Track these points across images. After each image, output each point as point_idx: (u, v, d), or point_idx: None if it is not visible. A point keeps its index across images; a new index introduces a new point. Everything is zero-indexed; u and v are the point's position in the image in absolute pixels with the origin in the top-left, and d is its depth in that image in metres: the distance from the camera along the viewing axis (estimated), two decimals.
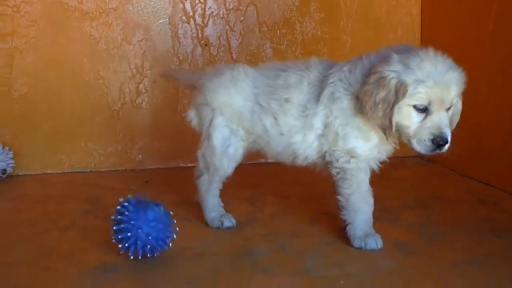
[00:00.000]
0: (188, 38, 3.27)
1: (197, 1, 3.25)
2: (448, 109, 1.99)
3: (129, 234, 1.96)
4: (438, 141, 1.95)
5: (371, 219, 2.14)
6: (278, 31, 3.33)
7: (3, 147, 3.10)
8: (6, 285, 1.91)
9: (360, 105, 2.04)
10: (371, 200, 2.15)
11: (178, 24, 3.25)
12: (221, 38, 3.29)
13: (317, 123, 2.15)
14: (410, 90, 1.92)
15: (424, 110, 1.96)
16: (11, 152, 3.12)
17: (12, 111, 3.18)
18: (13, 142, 3.17)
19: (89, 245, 2.20)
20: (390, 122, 1.96)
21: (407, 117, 1.97)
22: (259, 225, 2.39)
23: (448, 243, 2.15)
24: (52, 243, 2.23)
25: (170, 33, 3.26)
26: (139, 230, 1.96)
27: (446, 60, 1.97)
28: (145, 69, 3.24)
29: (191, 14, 3.26)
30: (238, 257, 2.07)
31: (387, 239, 2.16)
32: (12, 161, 3.12)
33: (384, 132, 2.01)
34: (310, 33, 3.34)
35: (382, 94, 1.95)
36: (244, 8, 3.29)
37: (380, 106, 1.96)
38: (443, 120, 1.96)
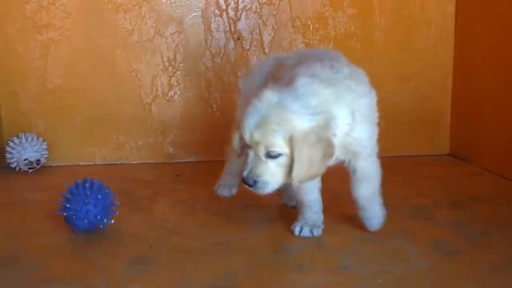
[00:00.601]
0: (221, 32, 3.27)
1: None
2: (275, 157, 1.93)
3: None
4: (244, 179, 1.97)
5: None
6: (310, 26, 3.31)
7: (38, 138, 3.13)
8: (43, 271, 1.93)
9: None
10: None
11: (211, 17, 3.25)
12: (254, 32, 3.28)
13: None
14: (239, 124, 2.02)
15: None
16: (45, 143, 3.15)
17: (47, 102, 3.21)
18: (46, 133, 3.20)
19: (122, 236, 2.22)
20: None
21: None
22: (292, 221, 2.38)
23: (485, 244, 2.12)
24: (86, 234, 2.24)
25: (203, 27, 3.26)
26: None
27: (264, 103, 1.93)
28: (177, 62, 3.24)
29: (224, 7, 3.25)
30: (273, 253, 2.07)
31: (422, 237, 2.15)
32: (46, 152, 3.15)
33: None
34: (343, 29, 3.32)
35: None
36: (277, 2, 3.28)
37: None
38: (253, 162, 1.95)
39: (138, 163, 3.28)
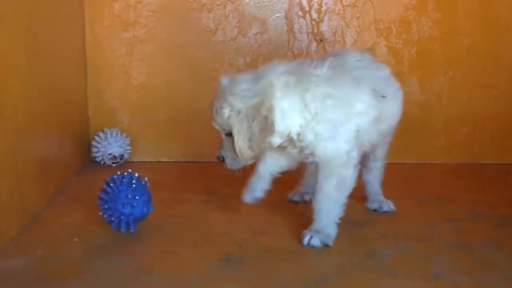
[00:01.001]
0: (303, 33, 3.27)
1: None
2: (229, 135, 2.16)
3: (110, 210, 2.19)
4: (217, 156, 2.24)
5: None
6: (393, 29, 3.28)
7: (121, 134, 3.20)
8: (136, 264, 1.98)
9: None
10: None
11: (294, 18, 3.26)
12: (336, 34, 3.27)
13: None
14: None
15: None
16: (128, 139, 3.21)
17: (131, 99, 3.28)
18: (130, 129, 3.27)
19: (210, 235, 2.25)
20: None
21: None
22: (378, 226, 2.37)
23: None
24: (173, 230, 2.28)
25: (286, 28, 3.26)
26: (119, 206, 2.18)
27: (218, 92, 2.19)
28: (259, 63, 3.25)
29: (307, 9, 3.25)
30: (363, 257, 2.05)
31: None
32: (129, 148, 3.21)
33: None
34: (427, 33, 3.28)
35: None
36: (361, 5, 3.26)
37: None
38: (222, 141, 2.21)
39: None
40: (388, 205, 2.52)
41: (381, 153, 2.51)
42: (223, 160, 2.21)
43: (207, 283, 1.85)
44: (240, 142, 2.11)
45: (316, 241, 2.11)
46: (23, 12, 2.32)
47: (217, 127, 2.19)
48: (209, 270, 1.95)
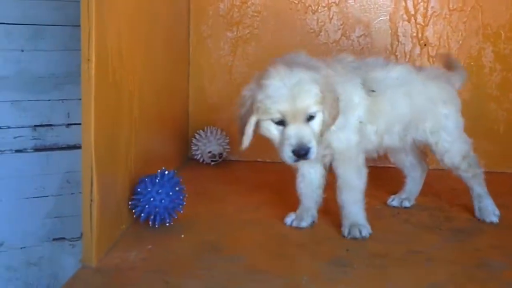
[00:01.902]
0: (408, 37, 3.22)
1: (419, 0, 3.19)
2: (310, 119, 2.03)
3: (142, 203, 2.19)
4: (297, 151, 2.01)
5: None
6: (502, 34, 3.19)
7: (221, 132, 3.24)
8: (247, 263, 1.99)
9: None
10: None
11: (399, 22, 3.22)
12: (441, 39, 3.21)
13: None
14: (261, 106, 2.02)
15: (281, 122, 2.03)
16: (228, 138, 3.25)
17: (232, 98, 3.27)
18: (230, 128, 3.30)
19: (318, 237, 2.24)
20: (242, 135, 2.11)
21: (268, 131, 2.07)
22: (487, 236, 2.30)
23: None
24: (281, 231, 2.28)
25: (390, 31, 3.23)
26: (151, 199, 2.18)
27: (295, 73, 2.02)
28: None
29: (412, 12, 3.21)
30: (475, 268, 1.99)
31: None
32: (228, 147, 3.24)
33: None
34: None
35: (241, 111, 2.11)
36: (468, 9, 3.19)
37: (239, 122, 2.13)
38: (300, 131, 2.01)
39: None
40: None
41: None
42: (307, 152, 2.03)
43: (318, 285, 1.84)
44: (330, 121, 2.08)
45: (356, 232, 2.19)
46: (143, 15, 2.40)
47: (301, 113, 2.02)
48: (320, 273, 1.94)
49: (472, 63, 3.20)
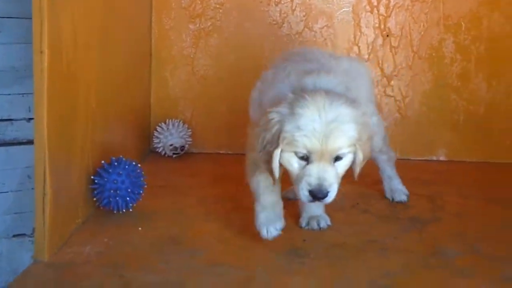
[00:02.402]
0: (370, 28, 3.23)
1: None
2: (337, 159, 1.84)
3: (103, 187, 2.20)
4: (315, 193, 1.82)
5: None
6: (463, 25, 3.21)
7: (183, 125, 3.22)
8: (206, 256, 1.99)
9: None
10: None
11: (362, 13, 3.22)
12: (403, 30, 3.22)
13: None
14: (288, 136, 1.81)
15: (305, 157, 1.83)
16: (190, 130, 3.23)
17: (194, 90, 3.29)
18: (192, 120, 3.29)
19: None
20: (271, 166, 1.86)
21: (288, 163, 1.85)
22: (444, 224, 2.33)
23: None
24: (240, 222, 2.28)
25: (353, 22, 3.23)
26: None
27: (335, 107, 1.81)
28: None
29: (375, 4, 3.21)
30: (430, 256, 2.02)
31: None
32: (190, 139, 3.22)
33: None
34: (497, 29, 3.20)
35: (266, 137, 1.85)
36: (430, 0, 3.20)
37: (262, 149, 1.88)
38: (323, 173, 1.81)
39: None
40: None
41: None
42: (325, 196, 1.84)
43: (275, 276, 1.85)
44: (362, 162, 1.91)
45: (314, 224, 2.20)
46: (100, 6, 2.37)
47: (329, 153, 1.82)
48: (276, 263, 1.95)
49: (433, 54, 3.22)
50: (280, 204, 2.05)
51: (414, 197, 2.62)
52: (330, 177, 1.82)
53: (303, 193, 1.83)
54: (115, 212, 2.24)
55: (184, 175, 2.91)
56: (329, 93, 1.86)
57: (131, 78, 2.93)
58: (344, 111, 1.82)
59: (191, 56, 3.27)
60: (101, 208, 2.25)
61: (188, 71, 3.28)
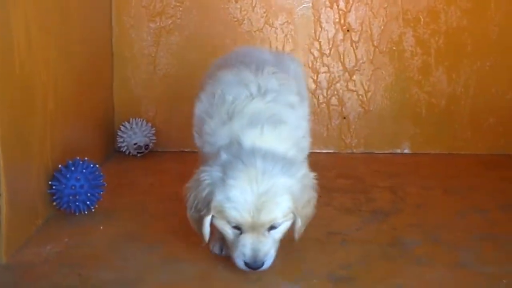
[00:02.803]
0: (330, 23, 3.25)
1: None
2: (272, 228, 1.76)
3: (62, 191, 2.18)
4: (250, 265, 1.75)
5: None
6: (421, 19, 3.25)
7: (147, 123, 3.21)
8: (164, 251, 2.00)
9: None
10: None
11: (322, 8, 3.24)
12: (363, 24, 3.25)
13: None
14: (218, 206, 1.73)
15: (237, 227, 1.75)
16: (154, 129, 3.22)
17: (157, 89, 3.28)
18: (155, 119, 3.28)
19: None
20: (200, 231, 1.80)
21: (221, 229, 1.78)
22: (405, 215, 2.36)
23: None
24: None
25: (313, 18, 3.24)
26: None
27: (268, 178, 1.71)
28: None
29: None
30: (389, 246, 2.05)
31: None
32: (154, 138, 3.21)
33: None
34: (455, 23, 3.24)
35: (198, 198, 1.78)
36: None
37: (193, 212, 1.81)
38: (257, 244, 1.73)
39: None
40: None
41: None
42: (261, 266, 1.76)
43: (234, 272, 1.84)
44: (303, 226, 1.84)
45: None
46: (53, 3, 2.34)
47: (264, 225, 1.73)
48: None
49: (394, 48, 3.25)
50: None
51: (377, 189, 2.66)
52: (265, 247, 1.74)
53: (239, 262, 1.76)
54: (76, 214, 2.22)
55: (148, 174, 2.90)
56: (266, 158, 1.74)
57: (92, 78, 2.91)
58: (278, 182, 1.72)
59: (153, 55, 3.26)
60: (62, 210, 2.23)
61: (150, 70, 3.27)
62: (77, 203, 2.20)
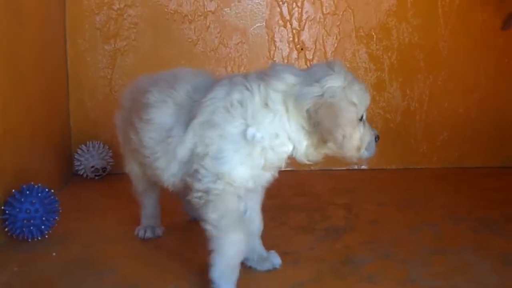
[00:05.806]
0: (284, 42, 3.29)
1: (294, 5, 3.27)
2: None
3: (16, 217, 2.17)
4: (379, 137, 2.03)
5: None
6: (374, 36, 3.30)
7: (104, 146, 3.20)
8: (117, 276, 1.98)
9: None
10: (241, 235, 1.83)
11: (275, 28, 3.28)
12: (317, 42, 3.29)
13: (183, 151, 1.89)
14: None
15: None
16: (111, 151, 3.22)
17: (113, 111, 3.25)
18: (112, 142, 3.27)
19: (193, 243, 2.25)
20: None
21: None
22: (358, 232, 2.38)
23: None
24: (156, 241, 2.29)
25: (267, 37, 3.28)
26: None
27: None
28: (241, 73, 3.27)
29: (287, 18, 3.27)
30: (341, 264, 2.06)
31: (491, 251, 2.13)
32: (112, 160, 3.21)
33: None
34: (407, 39, 3.31)
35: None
36: (341, 13, 3.29)
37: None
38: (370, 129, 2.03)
39: None
40: None
41: None
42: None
43: None
44: None
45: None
46: (3, 25, 2.33)
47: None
48: (190, 279, 1.95)
49: (348, 65, 3.29)
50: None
51: (333, 206, 2.68)
52: None
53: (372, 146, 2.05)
54: (29, 240, 2.21)
55: (105, 197, 2.89)
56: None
57: (47, 102, 2.90)
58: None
59: (108, 76, 3.26)
60: (14, 237, 2.21)
61: (106, 92, 3.28)
62: (31, 227, 2.18)
